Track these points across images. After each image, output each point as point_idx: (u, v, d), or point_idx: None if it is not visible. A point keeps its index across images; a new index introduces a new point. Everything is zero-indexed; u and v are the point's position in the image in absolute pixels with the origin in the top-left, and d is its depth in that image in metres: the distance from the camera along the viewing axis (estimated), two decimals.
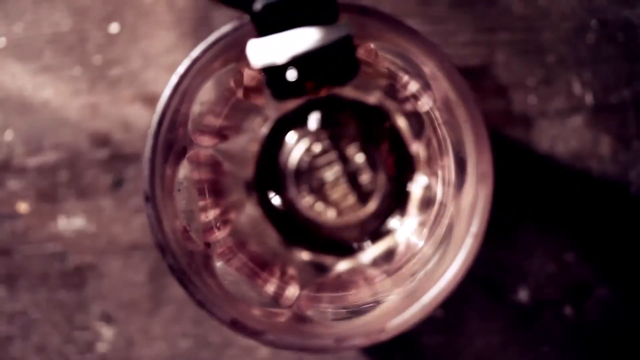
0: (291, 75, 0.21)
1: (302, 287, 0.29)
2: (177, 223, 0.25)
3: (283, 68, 0.21)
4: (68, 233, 0.37)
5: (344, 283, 0.32)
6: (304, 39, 0.21)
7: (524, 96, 0.37)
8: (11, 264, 0.37)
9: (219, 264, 0.26)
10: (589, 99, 0.37)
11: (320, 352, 0.35)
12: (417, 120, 0.32)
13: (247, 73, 0.26)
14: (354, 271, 0.33)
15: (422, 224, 0.31)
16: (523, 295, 0.36)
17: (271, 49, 0.21)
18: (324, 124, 0.34)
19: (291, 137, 0.35)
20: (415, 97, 0.28)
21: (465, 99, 0.24)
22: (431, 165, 0.31)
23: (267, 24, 0.21)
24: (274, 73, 0.21)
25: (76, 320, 0.37)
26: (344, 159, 0.35)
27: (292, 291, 0.28)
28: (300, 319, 0.26)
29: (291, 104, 0.34)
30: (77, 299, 0.37)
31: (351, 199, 0.35)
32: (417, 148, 0.33)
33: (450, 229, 0.25)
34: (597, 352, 0.36)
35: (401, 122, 0.34)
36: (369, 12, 0.23)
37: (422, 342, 0.36)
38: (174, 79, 0.24)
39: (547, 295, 0.36)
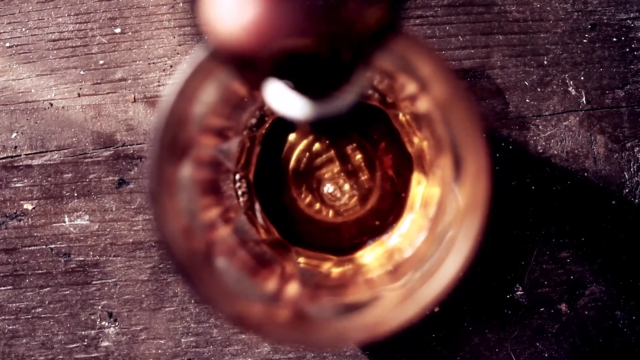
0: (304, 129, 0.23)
1: (302, 285, 0.29)
2: (180, 222, 0.25)
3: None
4: (72, 232, 0.37)
5: (343, 281, 0.32)
6: (322, 106, 0.22)
7: (520, 97, 0.37)
8: (16, 262, 0.37)
9: (220, 261, 0.26)
10: (583, 99, 0.37)
11: (320, 347, 0.35)
12: (415, 120, 0.32)
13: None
14: (353, 269, 0.33)
15: (420, 223, 0.31)
16: (519, 292, 0.36)
17: (292, 106, 0.22)
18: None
19: (291, 137, 0.35)
20: (413, 97, 0.28)
21: (461, 100, 0.24)
22: (429, 164, 0.31)
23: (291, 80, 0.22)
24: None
25: (80, 317, 0.37)
26: (343, 159, 0.35)
27: (293, 288, 0.28)
28: (300, 315, 0.26)
29: None
30: (81, 297, 0.37)
31: (350, 198, 0.35)
32: (414, 148, 0.34)
33: (447, 227, 0.26)
34: (591, 348, 0.36)
35: (399, 122, 0.34)
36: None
37: (420, 338, 0.36)
38: (176, 81, 0.24)
39: (542, 293, 0.36)
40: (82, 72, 0.37)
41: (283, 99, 0.22)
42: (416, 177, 0.34)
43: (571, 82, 0.37)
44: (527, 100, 0.37)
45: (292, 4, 0.16)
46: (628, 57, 0.37)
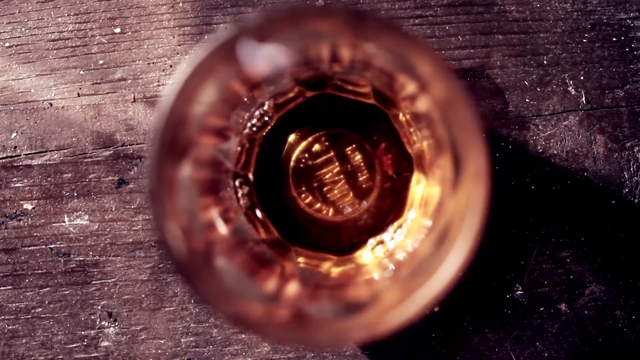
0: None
1: (302, 285, 0.29)
2: (180, 222, 0.25)
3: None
4: (72, 232, 0.37)
5: (343, 280, 0.32)
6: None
7: (520, 97, 0.37)
8: (16, 262, 0.37)
9: (220, 261, 0.26)
10: (583, 99, 0.37)
11: (320, 347, 0.35)
12: (415, 120, 0.32)
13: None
14: (353, 269, 0.33)
15: (419, 222, 0.31)
16: (519, 292, 0.36)
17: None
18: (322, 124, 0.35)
19: (291, 137, 0.35)
20: (412, 97, 0.28)
21: (461, 100, 0.24)
22: (428, 164, 0.31)
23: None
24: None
25: (80, 317, 0.37)
26: (343, 159, 0.35)
27: (293, 288, 0.28)
28: (300, 315, 0.26)
29: (291, 104, 0.34)
30: (81, 297, 0.37)
31: (350, 198, 0.35)
32: (414, 148, 0.34)
33: (447, 227, 0.26)
34: (591, 348, 0.36)
35: (399, 122, 0.34)
36: (367, 16, 0.23)
37: (420, 338, 0.36)
38: (176, 80, 0.24)
39: (542, 292, 0.36)
40: (81, 72, 0.37)
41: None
42: (416, 176, 0.34)
43: (571, 82, 0.37)
44: (527, 100, 0.37)
45: None
46: (628, 57, 0.37)
